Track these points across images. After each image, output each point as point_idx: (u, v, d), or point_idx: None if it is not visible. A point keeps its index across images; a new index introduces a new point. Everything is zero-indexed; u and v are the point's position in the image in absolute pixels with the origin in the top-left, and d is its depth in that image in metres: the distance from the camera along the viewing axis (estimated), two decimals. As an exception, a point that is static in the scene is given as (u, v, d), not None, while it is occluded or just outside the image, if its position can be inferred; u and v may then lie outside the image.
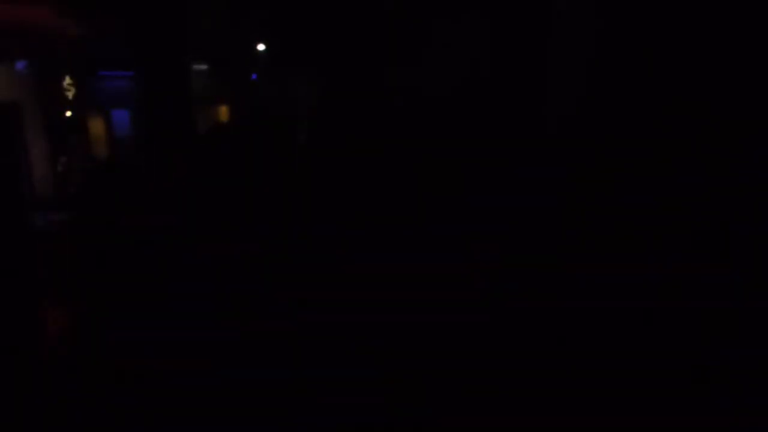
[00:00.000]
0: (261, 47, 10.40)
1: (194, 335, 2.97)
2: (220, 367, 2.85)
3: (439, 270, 3.31)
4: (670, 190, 3.59)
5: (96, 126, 9.69)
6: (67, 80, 9.37)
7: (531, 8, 4.58)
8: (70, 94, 9.35)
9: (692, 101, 3.77)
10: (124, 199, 3.55)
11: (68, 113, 9.25)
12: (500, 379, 2.91)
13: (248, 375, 2.83)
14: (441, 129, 4.30)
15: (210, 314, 3.01)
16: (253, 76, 11.08)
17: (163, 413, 2.79)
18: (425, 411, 2.77)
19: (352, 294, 3.06)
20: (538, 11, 4.54)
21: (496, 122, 4.39)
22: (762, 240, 3.13)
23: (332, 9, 5.58)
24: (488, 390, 2.85)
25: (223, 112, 11.25)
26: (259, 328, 3.00)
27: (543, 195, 3.77)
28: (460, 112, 4.40)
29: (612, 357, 2.96)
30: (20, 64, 8.77)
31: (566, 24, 4.38)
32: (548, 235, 3.61)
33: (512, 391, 2.86)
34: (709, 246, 3.22)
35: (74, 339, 3.43)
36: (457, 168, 3.95)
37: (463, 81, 4.60)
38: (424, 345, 3.03)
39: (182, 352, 2.91)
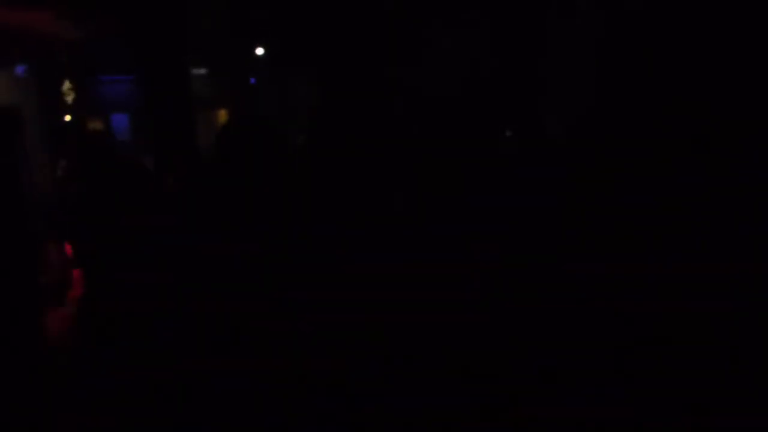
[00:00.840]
0: (260, 50, 10.41)
1: (195, 335, 2.97)
2: (222, 368, 2.84)
3: (439, 270, 3.31)
4: (670, 190, 3.59)
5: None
6: (67, 84, 9.38)
7: (531, 8, 4.59)
8: (69, 98, 9.36)
9: (692, 101, 3.77)
10: (125, 200, 3.55)
11: (68, 117, 9.25)
12: (500, 379, 2.91)
13: (250, 375, 2.82)
14: (441, 129, 4.30)
15: (210, 314, 3.01)
16: (252, 81, 11.09)
17: (163, 414, 2.79)
18: (427, 410, 2.76)
19: (352, 294, 3.06)
20: (538, 11, 4.56)
21: (497, 122, 4.40)
22: (762, 240, 3.13)
23: (332, 9, 5.58)
24: (488, 390, 2.85)
25: (223, 115, 11.28)
26: (259, 328, 2.99)
27: (543, 195, 3.78)
28: (461, 112, 4.40)
29: (612, 357, 2.96)
30: (20, 68, 8.78)
31: (567, 23, 4.39)
32: (548, 235, 3.61)
33: (512, 391, 2.86)
34: (709, 246, 3.22)
35: (76, 341, 3.43)
36: (457, 168, 3.95)
37: (464, 81, 4.61)
38: (424, 345, 3.03)
39: (182, 352, 2.91)
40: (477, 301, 3.21)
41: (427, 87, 4.72)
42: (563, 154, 4.18)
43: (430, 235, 3.57)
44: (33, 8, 7.03)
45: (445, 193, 3.83)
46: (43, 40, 7.92)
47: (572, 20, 4.39)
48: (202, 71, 10.51)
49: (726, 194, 3.45)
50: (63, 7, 7.37)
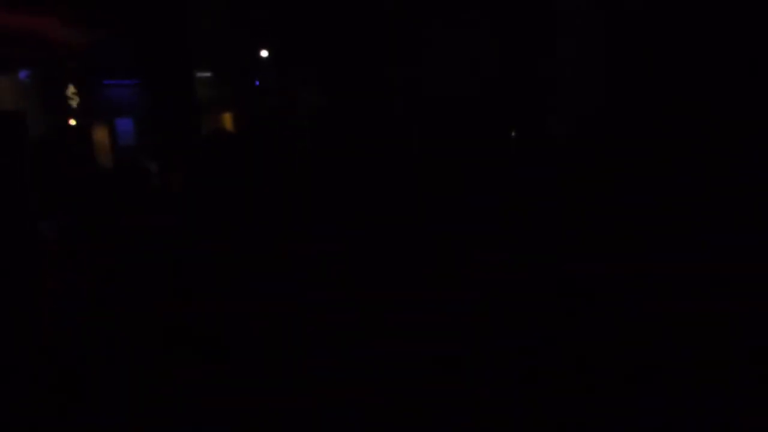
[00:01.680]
0: (262, 51, 10.45)
1: (194, 335, 2.98)
2: (222, 368, 2.85)
3: (439, 270, 3.31)
4: (670, 190, 3.59)
5: (100, 134, 9.71)
6: (71, 89, 9.40)
7: (532, 8, 4.60)
8: (74, 103, 9.38)
9: (692, 101, 3.78)
10: (125, 200, 3.57)
11: (72, 121, 9.26)
12: (500, 378, 2.91)
13: (249, 375, 2.82)
14: (441, 129, 4.31)
15: (210, 314, 3.02)
16: (256, 83, 11.12)
17: (163, 414, 2.79)
18: (427, 410, 2.76)
19: (352, 294, 3.07)
20: (539, 11, 4.57)
21: (497, 122, 4.40)
22: (762, 239, 3.13)
23: (332, 10, 5.61)
24: (489, 389, 2.84)
25: (227, 117, 11.30)
26: (259, 328, 3.00)
27: (543, 195, 3.78)
28: (461, 112, 4.41)
29: (612, 357, 2.95)
30: (24, 73, 8.82)
31: (569, 24, 4.40)
32: (548, 235, 3.61)
33: (512, 390, 2.85)
34: (709, 246, 3.22)
35: (77, 342, 3.43)
36: (457, 168, 3.96)
37: (463, 81, 4.62)
38: (424, 344, 3.03)
39: (182, 352, 2.92)
40: (477, 300, 3.22)
41: (427, 87, 4.74)
42: (564, 154, 4.19)
43: (431, 234, 3.58)
44: (37, 13, 7.07)
45: (445, 193, 3.84)
46: (48, 46, 7.95)
47: (572, 21, 4.40)
48: (207, 74, 10.55)
49: (726, 194, 3.45)
50: (68, 12, 7.41)
